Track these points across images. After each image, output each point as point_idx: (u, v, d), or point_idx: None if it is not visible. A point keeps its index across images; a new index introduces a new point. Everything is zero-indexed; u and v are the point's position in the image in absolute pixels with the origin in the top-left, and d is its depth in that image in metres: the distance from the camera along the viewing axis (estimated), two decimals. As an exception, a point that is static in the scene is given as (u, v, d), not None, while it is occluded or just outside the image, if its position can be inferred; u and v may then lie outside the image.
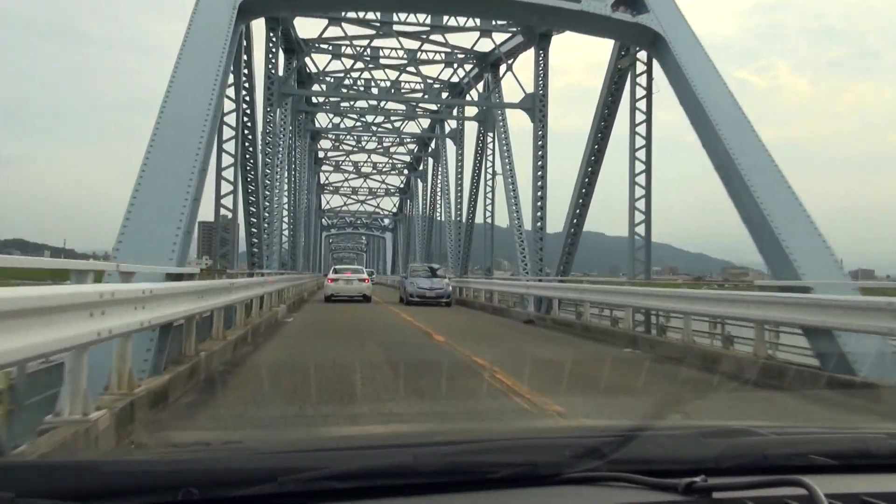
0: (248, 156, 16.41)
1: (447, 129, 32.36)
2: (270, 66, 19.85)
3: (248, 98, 15.89)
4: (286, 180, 25.22)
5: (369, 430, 4.53)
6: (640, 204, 14.62)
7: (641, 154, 14.68)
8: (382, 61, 25.07)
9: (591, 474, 1.15)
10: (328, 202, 60.76)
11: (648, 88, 14.71)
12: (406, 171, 49.36)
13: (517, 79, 21.32)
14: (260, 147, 17.87)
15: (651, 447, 1.26)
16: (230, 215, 14.87)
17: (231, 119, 14.59)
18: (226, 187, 14.49)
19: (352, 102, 31.00)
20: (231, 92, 14.15)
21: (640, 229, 14.64)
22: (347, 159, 47.50)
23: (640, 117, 14.85)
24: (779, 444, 1.32)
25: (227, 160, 14.55)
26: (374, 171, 50.30)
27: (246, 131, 16.05)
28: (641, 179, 14.68)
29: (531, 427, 4.39)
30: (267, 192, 18.87)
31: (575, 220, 16.94)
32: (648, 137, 14.70)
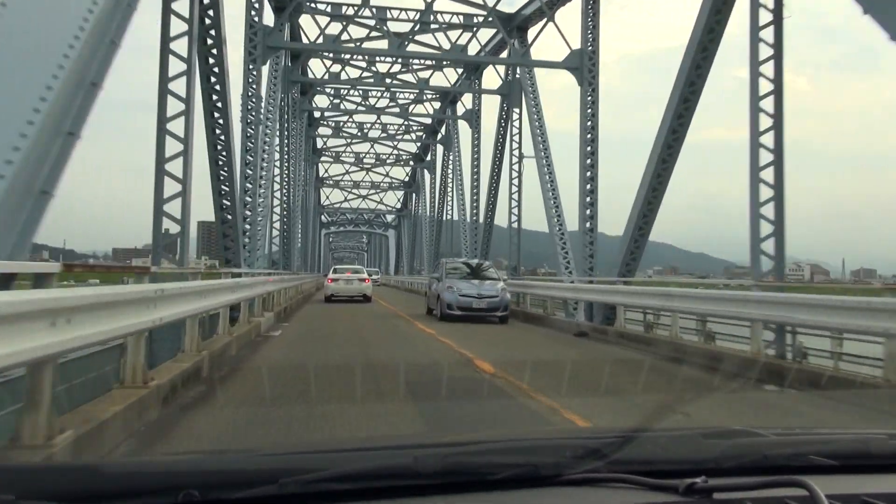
0: (215, 114, 13.50)
1: (461, 111, 32.00)
2: (254, 13, 17.97)
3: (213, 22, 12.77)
4: (277, 162, 24.33)
5: (370, 432, 4.69)
6: (766, 175, 11.53)
7: (766, 106, 11.56)
8: (390, 24, 23.94)
9: (592, 475, 1.26)
10: (327, 197, 62.61)
11: (777, 11, 11.49)
12: (412, 163, 49.75)
13: (560, 31, 19.65)
14: (240, 113, 16.46)
15: (651, 448, 1.38)
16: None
17: (180, 47, 10.94)
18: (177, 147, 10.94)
19: (352, 74, 30.43)
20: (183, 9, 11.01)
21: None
22: (349, 150, 47.80)
23: (762, 53, 11.63)
24: (779, 445, 1.42)
25: (176, 107, 10.81)
26: (378, 163, 50.62)
27: (213, 80, 13.18)
28: (767, 141, 11.54)
29: (532, 428, 4.66)
30: (249, 171, 16.89)
31: (650, 204, 14.47)
32: (779, 81, 11.56)
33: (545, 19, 20.61)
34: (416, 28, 23.15)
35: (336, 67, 29.14)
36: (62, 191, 5.23)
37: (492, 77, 28.03)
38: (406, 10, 23.23)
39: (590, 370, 9.11)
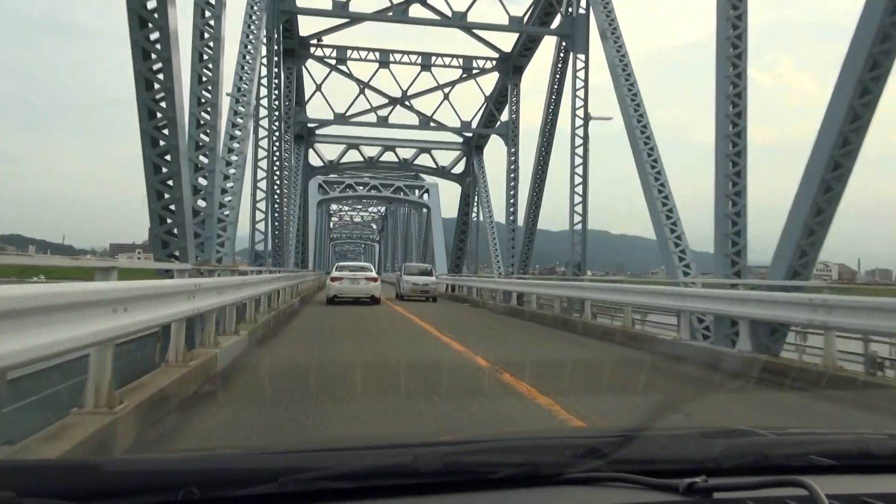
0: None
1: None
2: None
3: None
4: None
5: (370, 431, 4.79)
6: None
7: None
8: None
9: (593, 474, 1.26)
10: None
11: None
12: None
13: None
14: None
15: (652, 447, 1.38)
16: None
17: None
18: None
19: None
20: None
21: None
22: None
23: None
24: (779, 445, 1.43)
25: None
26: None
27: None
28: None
29: (532, 427, 4.67)
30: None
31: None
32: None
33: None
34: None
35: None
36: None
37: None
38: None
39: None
